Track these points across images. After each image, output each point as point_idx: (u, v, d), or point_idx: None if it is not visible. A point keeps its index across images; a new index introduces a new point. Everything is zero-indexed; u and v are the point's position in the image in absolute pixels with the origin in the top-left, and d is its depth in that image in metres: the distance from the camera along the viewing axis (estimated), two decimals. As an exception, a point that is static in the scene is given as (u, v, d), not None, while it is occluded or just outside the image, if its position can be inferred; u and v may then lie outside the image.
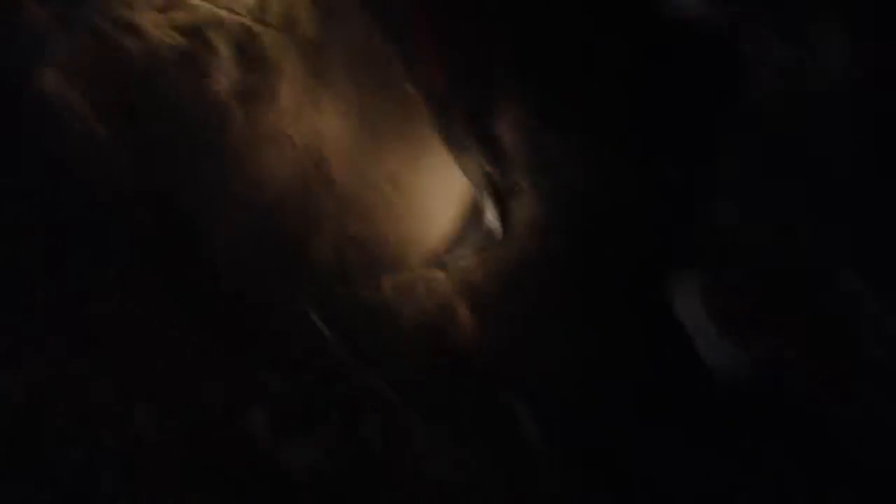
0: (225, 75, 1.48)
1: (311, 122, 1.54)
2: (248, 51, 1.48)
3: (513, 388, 1.45)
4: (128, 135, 1.51)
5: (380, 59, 1.46)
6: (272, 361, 1.44)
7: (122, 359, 1.44)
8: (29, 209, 1.49)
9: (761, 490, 1.34)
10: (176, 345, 1.45)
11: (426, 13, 1.47)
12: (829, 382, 1.33)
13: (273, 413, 1.39)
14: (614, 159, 1.37)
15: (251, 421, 1.39)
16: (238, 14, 1.48)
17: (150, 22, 1.44)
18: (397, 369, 1.43)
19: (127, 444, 1.36)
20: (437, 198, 1.56)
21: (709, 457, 1.36)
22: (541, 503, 1.34)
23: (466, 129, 1.52)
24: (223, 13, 1.47)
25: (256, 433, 1.38)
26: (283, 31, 1.50)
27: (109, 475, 1.35)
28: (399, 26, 1.47)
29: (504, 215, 1.54)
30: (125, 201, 1.52)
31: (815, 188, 1.34)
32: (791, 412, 1.34)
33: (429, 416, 1.41)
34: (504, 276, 1.52)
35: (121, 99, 1.49)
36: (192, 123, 1.53)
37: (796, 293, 1.29)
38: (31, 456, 1.37)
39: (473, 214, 1.53)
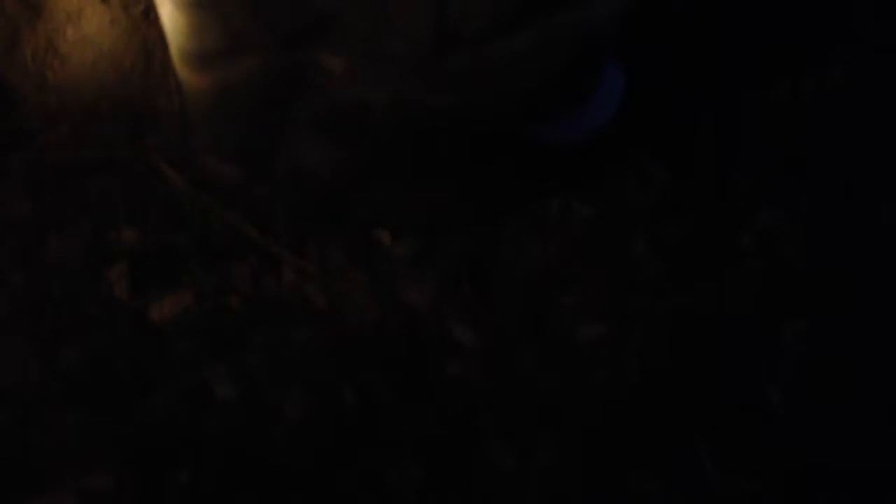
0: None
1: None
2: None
3: (377, 222, 1.44)
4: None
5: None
6: (125, 217, 1.39)
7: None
8: None
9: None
10: (8, 213, 1.38)
11: None
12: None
13: (134, 269, 1.34)
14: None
15: (111, 280, 1.34)
16: None
17: None
18: (260, 210, 1.39)
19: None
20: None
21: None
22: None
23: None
24: None
25: (119, 291, 1.34)
26: None
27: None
28: None
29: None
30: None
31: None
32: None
33: (298, 253, 1.37)
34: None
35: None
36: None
37: None
38: None
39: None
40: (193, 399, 1.29)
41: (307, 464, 1.27)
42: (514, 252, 1.42)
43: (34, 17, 1.48)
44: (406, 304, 1.37)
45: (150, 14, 1.50)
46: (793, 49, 1.55)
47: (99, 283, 1.34)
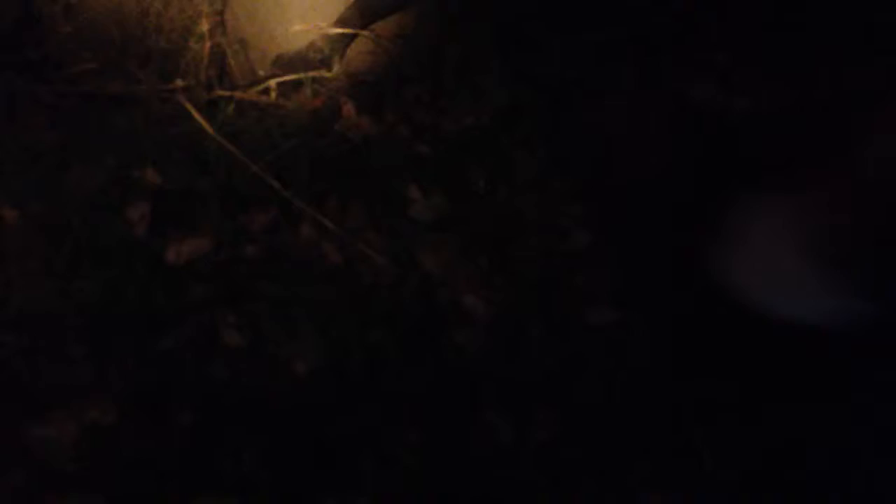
0: None
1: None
2: None
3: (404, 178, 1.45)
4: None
5: None
6: (149, 156, 1.39)
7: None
8: None
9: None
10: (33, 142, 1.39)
11: None
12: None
13: (154, 208, 1.34)
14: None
15: (131, 218, 1.34)
16: None
17: None
18: (285, 162, 1.41)
19: None
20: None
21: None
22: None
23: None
24: None
25: (138, 230, 1.35)
26: None
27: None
28: None
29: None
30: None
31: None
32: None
33: (318, 207, 1.38)
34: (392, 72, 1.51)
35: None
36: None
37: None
38: None
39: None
40: (202, 344, 1.29)
41: (309, 417, 1.28)
42: (536, 229, 1.44)
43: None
44: (422, 269, 1.39)
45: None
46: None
47: (118, 219, 1.35)
